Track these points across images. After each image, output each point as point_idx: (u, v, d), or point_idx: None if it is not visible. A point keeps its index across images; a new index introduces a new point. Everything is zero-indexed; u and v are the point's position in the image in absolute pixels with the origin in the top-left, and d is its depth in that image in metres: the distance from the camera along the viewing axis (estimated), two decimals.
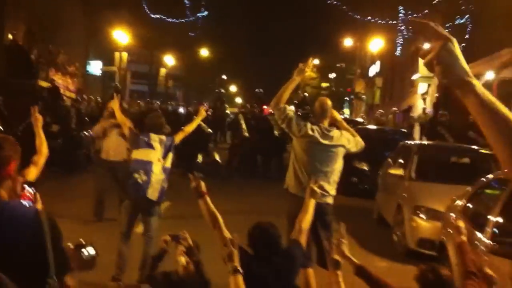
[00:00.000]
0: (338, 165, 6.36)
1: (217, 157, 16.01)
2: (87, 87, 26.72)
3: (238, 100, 64.27)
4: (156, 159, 6.90)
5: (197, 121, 7.66)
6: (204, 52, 48.85)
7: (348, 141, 6.42)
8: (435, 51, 1.63)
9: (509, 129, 1.59)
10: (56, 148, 14.39)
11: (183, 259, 4.48)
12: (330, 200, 6.30)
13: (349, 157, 6.91)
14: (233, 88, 71.55)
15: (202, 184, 4.39)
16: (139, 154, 6.91)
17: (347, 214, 9.92)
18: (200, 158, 15.81)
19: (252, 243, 4.21)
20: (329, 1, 37.40)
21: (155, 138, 6.96)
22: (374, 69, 39.60)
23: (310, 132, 6.21)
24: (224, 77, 63.55)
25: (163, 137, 7.04)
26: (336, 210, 6.50)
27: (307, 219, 4.67)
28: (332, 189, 6.31)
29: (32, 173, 4.92)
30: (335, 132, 6.33)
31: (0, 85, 16.31)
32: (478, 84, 1.62)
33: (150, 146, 6.92)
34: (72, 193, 12.43)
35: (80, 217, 9.94)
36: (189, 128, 7.48)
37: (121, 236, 6.97)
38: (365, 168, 14.01)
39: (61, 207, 10.53)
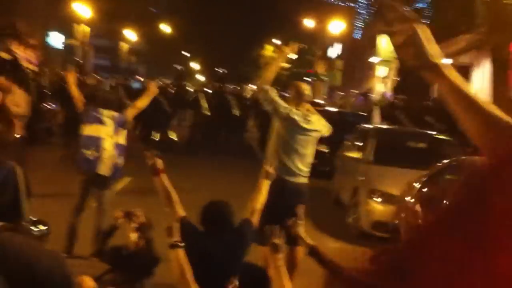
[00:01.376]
0: (314, 148, 6.53)
1: (173, 135, 15.95)
2: (49, 60, 26.14)
3: (201, 78, 63.94)
4: (107, 135, 6.84)
5: (148, 96, 7.44)
6: (166, 28, 48.29)
7: (323, 126, 6.55)
8: (407, 33, 1.59)
9: (482, 112, 1.55)
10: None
11: (134, 236, 4.52)
12: (306, 181, 6.43)
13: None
14: (196, 66, 71.08)
15: (159, 161, 4.40)
16: (89, 130, 6.84)
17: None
18: (156, 135, 15.72)
19: (203, 220, 4.25)
20: None
21: (106, 114, 6.89)
22: (335, 51, 39.73)
23: (293, 116, 6.27)
24: (185, 53, 63.03)
25: (115, 113, 6.95)
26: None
27: (260, 200, 4.72)
28: (307, 171, 6.44)
29: None
30: (313, 117, 6.45)
31: None
32: (448, 68, 1.59)
33: (100, 121, 6.86)
34: (33, 166, 12.20)
35: (40, 190, 9.81)
36: (140, 103, 7.34)
37: (73, 209, 6.94)
38: (325, 150, 14.10)
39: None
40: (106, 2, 32.72)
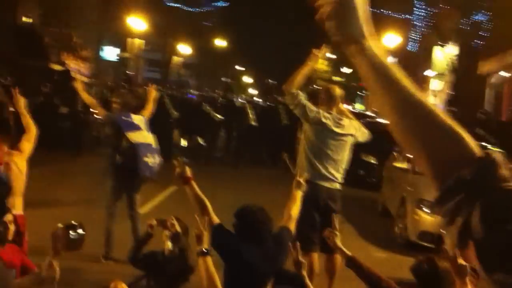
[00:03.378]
0: (347, 154, 6.30)
1: (200, 141, 16.08)
2: (100, 72, 26.77)
3: (253, 91, 64.26)
4: (151, 139, 7.00)
5: (151, 100, 7.57)
6: (218, 42, 48.78)
7: (356, 130, 6.32)
8: (331, 4, 1.41)
9: (405, 100, 1.34)
10: (64, 129, 14.56)
11: (168, 244, 4.54)
12: (339, 187, 6.27)
13: (357, 150, 6.84)
14: (248, 80, 71.45)
15: (187, 169, 4.31)
16: (137, 137, 6.92)
17: (352, 205, 9.96)
18: (184, 142, 15.87)
19: (240, 226, 4.11)
20: None
21: (136, 118, 7.05)
22: None
23: (323, 120, 6.12)
24: (237, 67, 63.46)
25: (142, 117, 7.13)
26: (342, 201, 6.44)
27: (295, 208, 4.59)
28: (340, 177, 6.27)
29: (26, 146, 5.30)
30: (345, 121, 6.25)
31: (12, 66, 16.38)
32: (371, 46, 1.40)
33: (138, 127, 6.99)
34: (78, 174, 12.45)
35: (85, 196, 10.03)
36: (149, 106, 7.49)
37: (108, 214, 7.01)
38: (373, 161, 14.03)
39: (66, 187, 10.67)
40: (160, 16, 33.31)
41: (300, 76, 6.20)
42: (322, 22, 1.45)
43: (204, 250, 3.61)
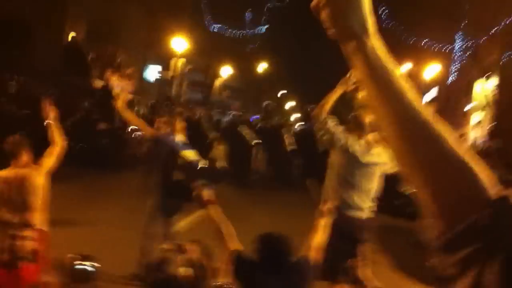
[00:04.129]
0: (377, 183, 6.04)
1: (222, 163, 15.94)
2: (143, 91, 27.06)
3: (295, 115, 63.97)
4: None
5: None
6: (261, 65, 48.96)
7: (388, 159, 6.01)
8: None
9: (407, 117, 1.11)
10: (102, 146, 14.65)
11: (182, 270, 4.38)
12: (368, 216, 6.01)
13: (392, 179, 6.58)
14: (290, 103, 71.34)
15: (206, 192, 4.18)
16: (192, 155, 7.10)
17: (388, 235, 9.69)
18: (204, 163, 15.71)
19: (261, 253, 3.95)
20: (383, 24, 36.83)
21: (180, 138, 7.24)
22: (429, 95, 38.76)
23: (352, 147, 5.91)
24: (281, 92, 63.50)
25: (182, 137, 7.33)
26: (376, 230, 6.20)
27: (317, 238, 4.41)
28: (369, 207, 6.01)
29: (47, 161, 5.27)
30: (376, 149, 5.99)
31: (55, 82, 16.65)
32: (374, 45, 1.19)
33: (188, 146, 7.14)
34: (114, 192, 12.45)
35: (119, 216, 10.01)
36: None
37: (146, 234, 6.94)
38: (409, 191, 13.72)
39: (100, 205, 10.67)
40: (204, 38, 33.68)
41: (330, 102, 6.00)
42: (317, 11, 1.22)
43: (221, 284, 3.42)
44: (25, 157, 5.15)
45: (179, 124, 7.66)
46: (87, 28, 22.55)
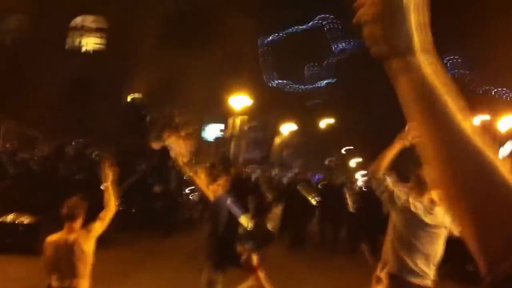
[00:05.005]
0: (440, 247, 5.72)
1: (269, 226, 15.58)
2: (201, 151, 27.33)
3: (361, 173, 63.13)
4: None
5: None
6: (324, 121, 48.84)
7: (452, 221, 5.78)
8: (375, 3, 1.12)
9: (455, 144, 1.03)
10: (156, 209, 14.74)
11: None
12: (430, 283, 5.67)
13: (463, 242, 6.23)
14: (357, 160, 70.64)
15: (254, 257, 4.04)
16: (244, 219, 7.21)
17: None
18: (249, 224, 15.42)
19: None
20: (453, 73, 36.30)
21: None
22: (505, 149, 37.56)
23: (412, 208, 5.62)
24: (346, 149, 63.03)
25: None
26: None
27: None
28: (432, 273, 5.69)
29: (97, 226, 5.30)
30: (438, 210, 5.67)
31: (113, 143, 17.00)
32: (421, 63, 1.10)
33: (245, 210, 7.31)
34: (167, 256, 12.42)
35: (171, 278, 9.98)
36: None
37: None
38: None
39: (152, 269, 10.64)
40: (263, 94, 33.98)
41: (388, 158, 5.79)
42: (360, 27, 1.16)
43: None
44: (80, 221, 5.19)
45: (226, 183, 7.74)
46: (146, 89, 23.14)
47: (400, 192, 5.73)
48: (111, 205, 5.45)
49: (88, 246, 5.16)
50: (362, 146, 64.13)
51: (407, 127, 5.68)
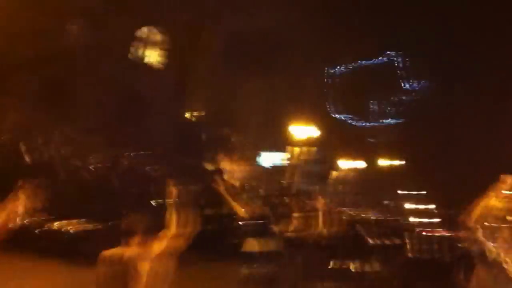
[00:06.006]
0: None
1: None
2: (255, 177, 27.18)
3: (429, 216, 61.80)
4: None
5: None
6: (385, 160, 48.18)
7: None
8: None
9: None
10: (205, 232, 14.61)
11: None
12: None
13: None
14: (420, 205, 69.24)
15: None
16: None
17: None
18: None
19: None
20: None
21: None
22: None
23: (504, 264, 5.50)
24: (401, 192, 61.90)
25: None
26: None
27: None
28: None
29: (159, 246, 5.19)
30: None
31: (167, 160, 17.07)
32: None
33: None
34: (212, 282, 12.31)
35: None
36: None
37: None
38: None
39: None
40: (324, 128, 33.70)
41: (480, 208, 5.54)
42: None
43: None
44: (137, 238, 5.05)
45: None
46: (205, 108, 23.26)
47: (491, 245, 5.50)
48: (172, 225, 5.28)
49: (146, 265, 5.02)
50: (420, 187, 62.77)
51: (502, 179, 5.49)
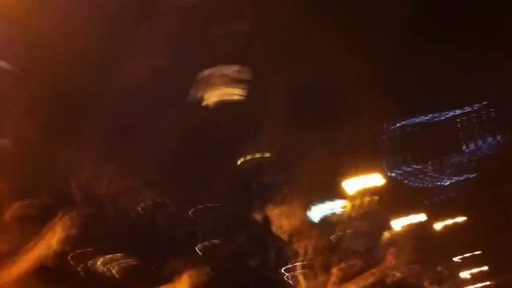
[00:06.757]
0: None
1: None
2: (304, 230, 26.91)
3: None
4: None
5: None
6: (441, 223, 47.09)
7: None
8: None
9: None
10: (250, 284, 14.60)
11: None
12: None
13: None
14: (476, 269, 67.21)
15: None
16: None
17: None
18: None
19: None
20: None
21: None
22: None
23: None
24: (459, 258, 60.25)
25: None
26: None
27: None
28: None
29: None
30: None
31: (217, 207, 17.14)
32: None
33: None
34: None
35: None
36: None
37: None
38: None
39: None
40: (379, 182, 33.25)
41: None
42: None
43: None
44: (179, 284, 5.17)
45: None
46: (260, 154, 23.29)
47: None
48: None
49: None
50: (483, 254, 60.79)
51: None
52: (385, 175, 36.77)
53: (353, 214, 33.08)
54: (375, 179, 31.94)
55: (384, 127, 37.04)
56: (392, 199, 36.20)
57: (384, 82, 29.47)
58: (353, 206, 31.83)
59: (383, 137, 36.83)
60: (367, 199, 32.23)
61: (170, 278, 5.15)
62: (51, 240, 5.38)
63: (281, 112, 24.84)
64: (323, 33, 25.03)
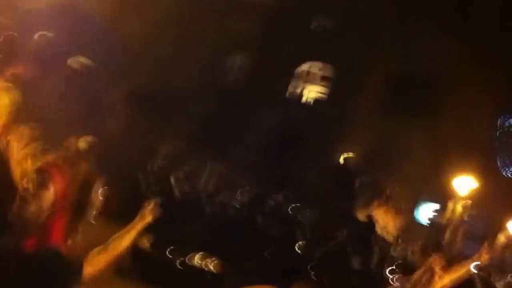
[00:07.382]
0: None
1: None
2: (410, 230, 26.22)
3: None
4: None
5: None
6: None
7: None
8: None
9: None
10: (351, 286, 14.24)
11: None
12: None
13: None
14: None
15: None
16: None
17: None
18: None
19: None
20: None
21: None
22: None
23: None
24: None
25: None
26: None
27: None
28: None
29: None
30: None
31: (316, 203, 16.87)
32: None
33: None
34: None
35: None
36: None
37: None
38: None
39: None
40: (493, 183, 32.03)
41: None
42: None
43: None
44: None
45: None
46: (360, 151, 22.91)
47: None
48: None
49: None
50: None
51: None
52: (499, 174, 35.36)
53: (462, 216, 31.93)
54: (486, 178, 30.73)
55: (499, 120, 35.58)
56: (506, 199, 34.72)
57: (498, 68, 28.18)
58: (462, 207, 30.75)
59: (497, 131, 35.38)
60: (478, 199, 31.05)
61: (267, 275, 4.93)
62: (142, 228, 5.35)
63: (383, 106, 24.32)
64: (423, 14, 24.21)
